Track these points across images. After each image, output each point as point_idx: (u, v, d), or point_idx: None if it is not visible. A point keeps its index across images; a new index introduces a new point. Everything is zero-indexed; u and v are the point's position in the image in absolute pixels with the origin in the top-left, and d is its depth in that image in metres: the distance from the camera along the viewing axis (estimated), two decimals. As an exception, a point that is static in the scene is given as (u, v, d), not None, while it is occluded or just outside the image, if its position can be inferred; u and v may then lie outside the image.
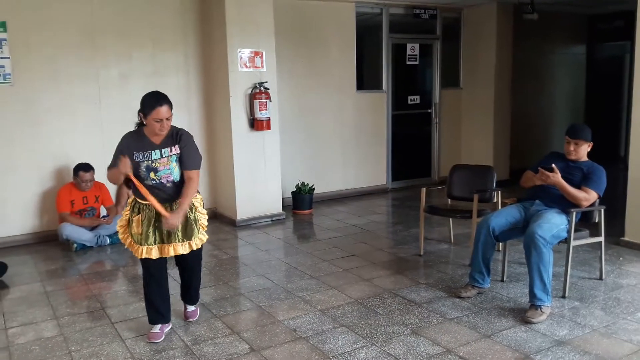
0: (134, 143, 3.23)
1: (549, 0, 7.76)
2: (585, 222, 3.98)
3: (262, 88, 6.00)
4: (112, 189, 5.96)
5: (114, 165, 3.21)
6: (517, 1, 7.90)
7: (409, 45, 8.06)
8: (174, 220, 3.15)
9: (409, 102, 8.27)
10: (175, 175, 3.25)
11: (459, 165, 5.38)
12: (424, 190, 4.99)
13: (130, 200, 3.36)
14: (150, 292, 3.38)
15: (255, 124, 6.04)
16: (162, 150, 3.22)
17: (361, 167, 7.83)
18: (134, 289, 4.24)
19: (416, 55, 8.14)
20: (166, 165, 3.22)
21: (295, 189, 6.80)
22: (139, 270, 4.76)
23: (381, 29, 7.78)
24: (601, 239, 4.09)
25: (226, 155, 6.20)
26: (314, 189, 6.87)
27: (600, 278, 4.21)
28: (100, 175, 5.84)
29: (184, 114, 6.35)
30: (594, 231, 4.07)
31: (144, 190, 3.18)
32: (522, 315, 3.57)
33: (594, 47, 10.20)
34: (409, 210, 6.80)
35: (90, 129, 5.87)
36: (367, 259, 4.85)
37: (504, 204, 4.29)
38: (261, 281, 4.35)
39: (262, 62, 6.04)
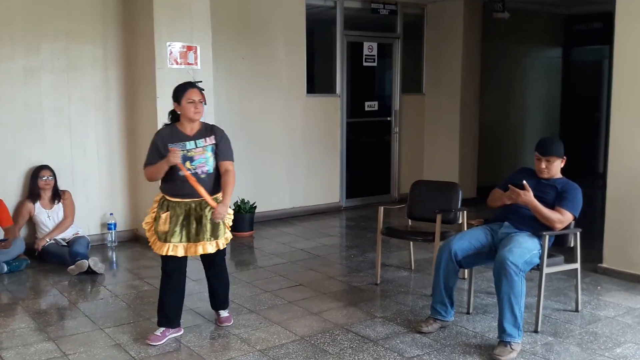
0: (167, 136, 3.77)
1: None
2: (560, 246, 4.09)
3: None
4: (12, 207, 5.73)
5: (152, 162, 3.75)
6: (486, -2, 8.16)
7: (366, 44, 8.17)
8: (222, 210, 3.67)
9: (366, 108, 8.36)
10: (210, 166, 3.76)
11: (421, 181, 5.44)
12: (381, 209, 5.03)
13: (157, 197, 3.85)
14: (163, 293, 3.86)
15: (187, 130, 5.96)
16: (197, 141, 3.75)
17: (311, 182, 7.83)
18: (37, 327, 4.08)
19: (374, 55, 8.26)
20: (202, 155, 3.73)
21: (233, 207, 6.73)
22: (42, 304, 4.59)
23: (335, 24, 7.86)
24: (577, 265, 4.21)
25: (151, 166, 6.07)
26: (255, 207, 6.81)
27: (576, 310, 4.34)
28: (-3, 189, 5.60)
29: (101, 117, 6.22)
30: (569, 257, 4.19)
31: (193, 180, 3.66)
32: (489, 352, 3.61)
33: (570, 50, 10.64)
34: (365, 232, 6.84)
35: (-15, 134, 5.65)
36: (316, 289, 4.84)
37: (469, 225, 4.36)
38: (190, 317, 4.26)
39: (195, 58, 6.00)
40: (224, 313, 4.16)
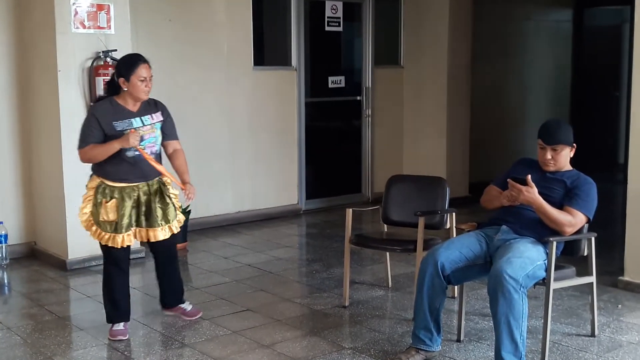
0: (110, 113, 4.17)
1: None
2: (570, 255, 4.15)
3: (108, 59, 5.89)
4: None
5: (93, 141, 4.13)
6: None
7: (328, 4, 8.18)
8: (192, 188, 4.37)
9: (330, 85, 8.38)
10: (158, 145, 4.31)
11: (399, 176, 5.48)
12: (350, 212, 5.04)
13: (93, 183, 4.26)
14: (114, 288, 4.39)
15: (99, 113, 5.89)
16: (143, 118, 4.24)
17: (261, 180, 7.81)
18: None
19: (339, 18, 8.28)
20: (151, 134, 4.23)
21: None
22: None
23: (289, -22, 7.88)
24: (592, 279, 4.28)
25: (51, 160, 6.00)
26: (189, 212, 6.76)
27: (592, 334, 4.41)
28: None
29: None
30: (583, 268, 4.26)
31: (155, 162, 4.20)
32: (485, 389, 3.68)
33: (583, 12, 10.81)
34: (330, 241, 6.86)
35: None
36: (268, 315, 4.84)
37: (459, 231, 4.40)
38: (105, 353, 4.24)
39: (108, 21, 5.93)
40: (187, 306, 4.69)
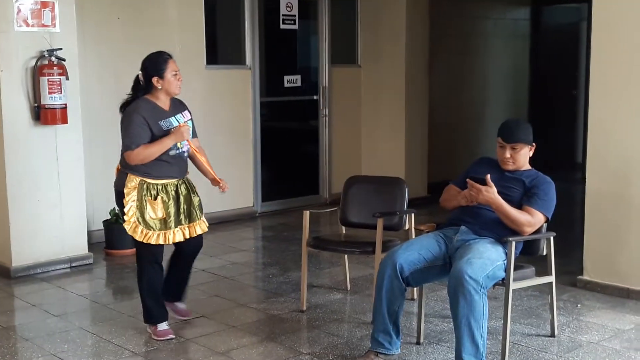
0: (153, 112, 4.30)
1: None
2: (530, 255, 4.21)
3: (53, 58, 5.82)
4: None
5: (144, 142, 4.21)
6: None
7: (283, 1, 8.18)
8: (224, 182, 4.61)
9: (286, 84, 8.39)
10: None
11: (357, 177, 5.50)
12: (307, 214, 5.05)
13: (134, 183, 4.28)
14: (157, 286, 4.47)
15: (43, 114, 5.83)
16: (176, 116, 4.39)
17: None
18: None
19: (295, 16, 8.28)
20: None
21: (109, 217, 6.61)
22: None
23: (242, -26, 7.86)
24: (551, 278, 4.34)
25: (-5, 164, 5.89)
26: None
27: (552, 334, 4.48)
28: None
29: None
30: (542, 268, 4.31)
31: (201, 157, 4.56)
32: (446, 393, 3.70)
33: (540, 10, 10.99)
34: (287, 244, 6.87)
35: None
36: (223, 321, 4.82)
37: (418, 232, 4.42)
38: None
39: (53, 19, 5.87)
40: (182, 305, 4.78)
